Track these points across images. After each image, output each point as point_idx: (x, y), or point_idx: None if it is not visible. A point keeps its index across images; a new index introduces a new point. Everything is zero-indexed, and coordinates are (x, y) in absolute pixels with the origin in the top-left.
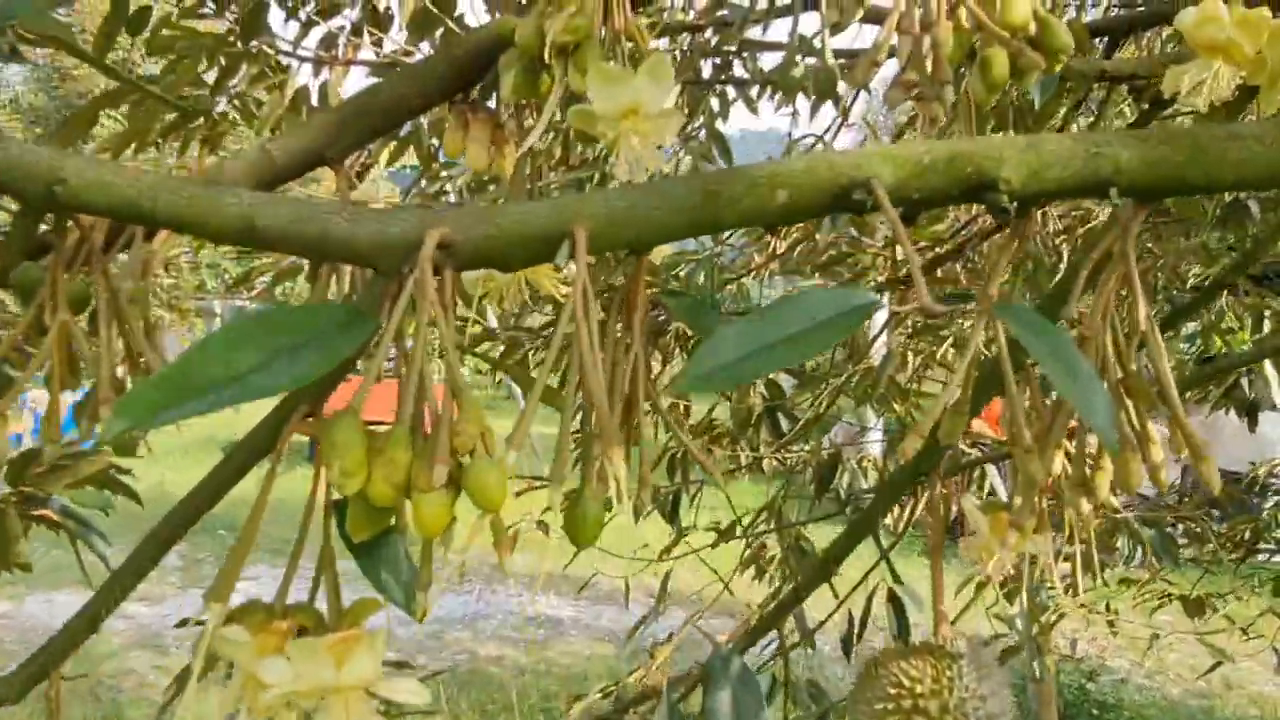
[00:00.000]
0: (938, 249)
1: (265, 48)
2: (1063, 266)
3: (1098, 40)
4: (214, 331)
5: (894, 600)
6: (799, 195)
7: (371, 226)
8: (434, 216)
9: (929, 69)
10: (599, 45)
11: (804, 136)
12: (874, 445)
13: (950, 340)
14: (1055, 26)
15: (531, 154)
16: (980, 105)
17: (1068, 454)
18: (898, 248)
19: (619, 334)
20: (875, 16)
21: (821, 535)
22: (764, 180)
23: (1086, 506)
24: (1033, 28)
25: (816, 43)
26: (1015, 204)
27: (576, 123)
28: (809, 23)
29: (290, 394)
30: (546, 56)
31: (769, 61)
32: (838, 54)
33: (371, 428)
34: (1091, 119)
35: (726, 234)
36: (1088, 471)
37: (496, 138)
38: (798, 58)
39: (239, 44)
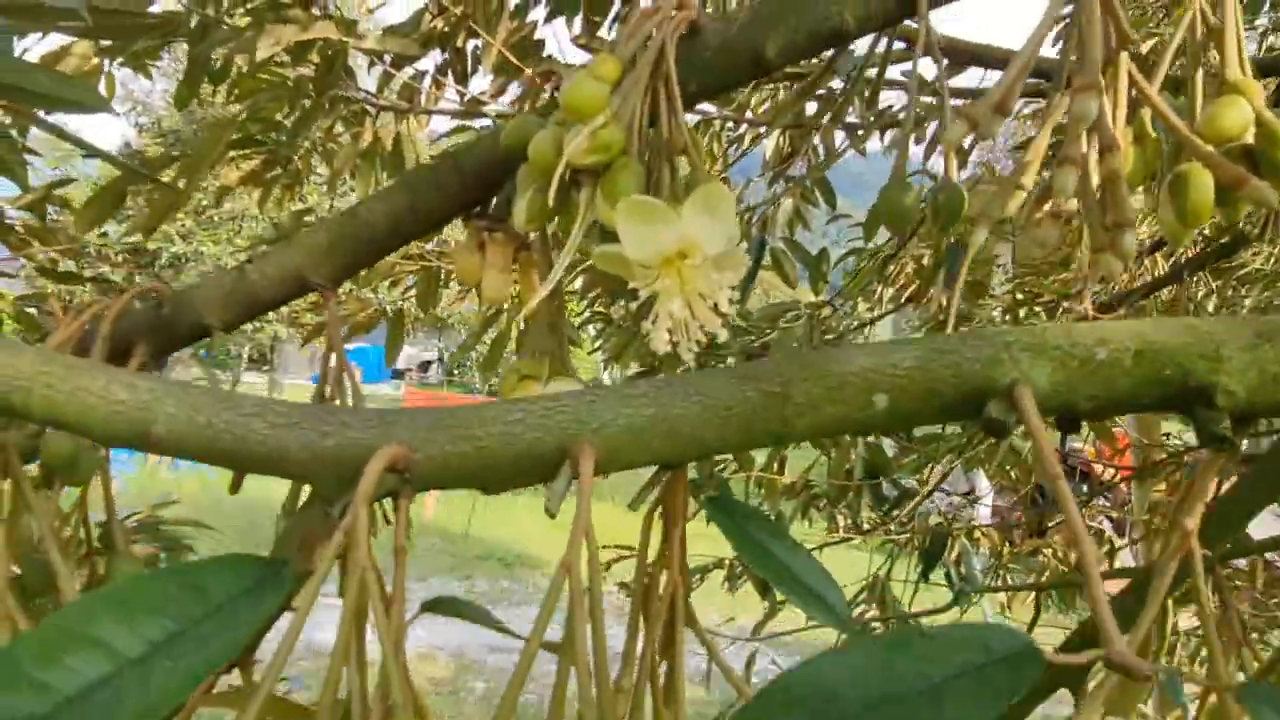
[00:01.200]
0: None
1: (345, 95)
2: None
3: (1265, 81)
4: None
5: None
6: (904, 401)
7: (303, 436)
8: (389, 424)
9: (1098, 205)
10: (637, 164)
11: (915, 173)
12: (984, 511)
13: None
14: None
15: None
16: (1175, 240)
17: None
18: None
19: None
20: (991, 56)
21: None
22: (853, 379)
23: None
24: (1249, 135)
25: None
26: (1237, 422)
27: (604, 267)
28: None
29: None
30: (568, 178)
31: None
32: (955, 92)
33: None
34: None
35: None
36: None
37: (521, 261)
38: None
39: (315, 92)
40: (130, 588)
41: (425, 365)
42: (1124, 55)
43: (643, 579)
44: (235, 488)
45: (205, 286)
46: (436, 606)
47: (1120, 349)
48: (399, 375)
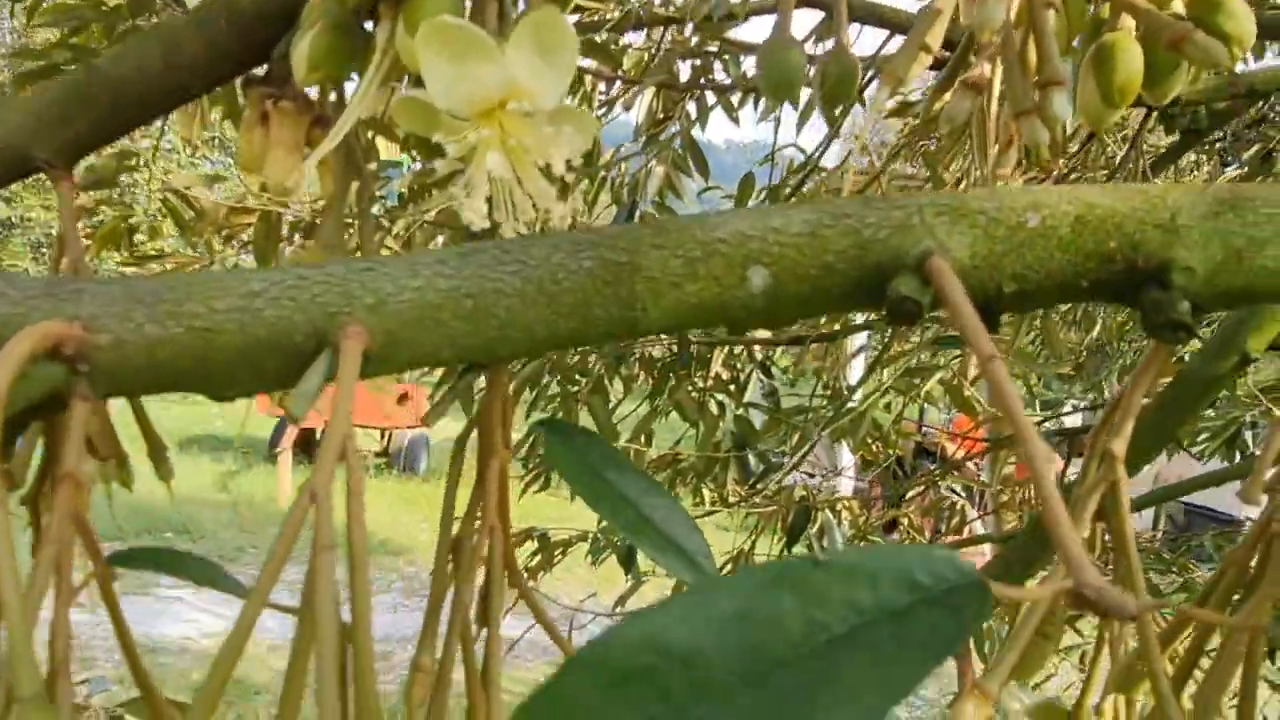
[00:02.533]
0: None
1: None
2: None
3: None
4: None
5: None
6: (789, 280)
7: None
8: (66, 295)
9: (1019, 62)
10: None
11: (785, 146)
12: (845, 484)
13: (936, 377)
14: (1227, 3)
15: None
16: (1096, 123)
17: None
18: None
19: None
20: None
21: None
22: (722, 248)
23: None
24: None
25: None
26: (1192, 309)
27: (406, 121)
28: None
29: None
30: (362, 7)
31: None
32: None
33: None
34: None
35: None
36: None
37: (313, 139)
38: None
39: (129, 14)
40: None
41: None
42: None
43: (449, 526)
44: None
45: None
46: (127, 560)
47: (1057, 216)
48: None
